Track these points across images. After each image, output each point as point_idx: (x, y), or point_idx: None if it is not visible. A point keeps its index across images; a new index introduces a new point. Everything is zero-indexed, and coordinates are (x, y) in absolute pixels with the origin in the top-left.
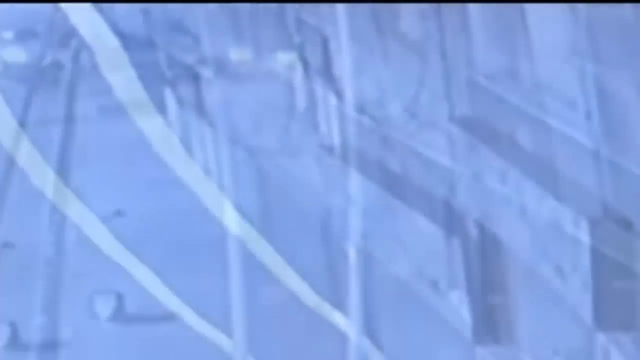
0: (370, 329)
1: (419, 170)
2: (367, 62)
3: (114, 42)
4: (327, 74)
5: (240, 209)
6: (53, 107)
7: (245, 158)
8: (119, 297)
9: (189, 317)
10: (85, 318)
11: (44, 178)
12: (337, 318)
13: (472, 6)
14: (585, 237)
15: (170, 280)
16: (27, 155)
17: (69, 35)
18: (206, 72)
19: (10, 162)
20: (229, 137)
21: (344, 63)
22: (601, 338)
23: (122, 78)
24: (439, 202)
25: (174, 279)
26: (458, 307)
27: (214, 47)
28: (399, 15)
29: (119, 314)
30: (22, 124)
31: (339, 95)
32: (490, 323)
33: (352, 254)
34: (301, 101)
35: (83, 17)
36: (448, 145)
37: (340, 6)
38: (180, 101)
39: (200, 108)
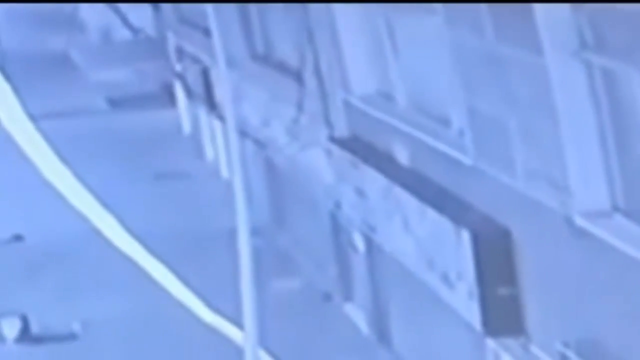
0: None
1: (302, 188)
2: (246, 88)
3: None
4: (209, 100)
5: None
6: None
7: None
8: (24, 319)
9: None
10: None
11: None
12: (234, 334)
13: (343, 29)
14: (467, 247)
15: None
16: None
17: None
18: None
19: None
20: None
21: (223, 90)
22: (491, 344)
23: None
24: (326, 217)
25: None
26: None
27: None
28: (273, 43)
29: (25, 336)
30: None
31: (222, 120)
32: (384, 331)
33: None
34: (186, 126)
35: None
36: (329, 164)
37: (215, 36)
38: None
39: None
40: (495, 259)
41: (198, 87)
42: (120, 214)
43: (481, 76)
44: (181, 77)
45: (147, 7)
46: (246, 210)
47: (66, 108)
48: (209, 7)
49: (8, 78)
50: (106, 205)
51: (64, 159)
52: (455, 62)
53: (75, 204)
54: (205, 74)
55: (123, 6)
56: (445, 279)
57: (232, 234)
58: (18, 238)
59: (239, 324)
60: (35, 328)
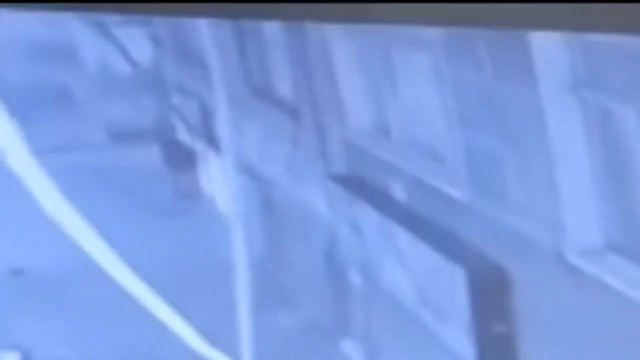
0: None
1: (299, 223)
2: (244, 123)
3: None
4: (208, 134)
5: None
6: None
7: None
8: (26, 354)
9: None
10: None
11: None
12: None
13: (339, 62)
14: (462, 283)
15: (70, 334)
16: None
17: None
18: None
19: None
20: None
21: (221, 124)
22: None
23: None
24: (322, 252)
25: (75, 333)
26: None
27: None
28: (271, 78)
29: None
30: None
31: (220, 154)
32: None
33: None
34: (184, 160)
35: None
36: (326, 200)
37: (214, 70)
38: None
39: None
40: (490, 296)
41: (196, 121)
42: (119, 248)
43: (477, 112)
44: (179, 111)
45: (146, 41)
46: (243, 245)
47: (65, 141)
48: (207, 41)
49: (12, 111)
50: (105, 239)
51: (64, 192)
52: (451, 97)
53: (75, 237)
54: (203, 108)
55: (123, 40)
56: (440, 315)
57: (229, 268)
58: (18, 271)
59: (236, 357)
60: None
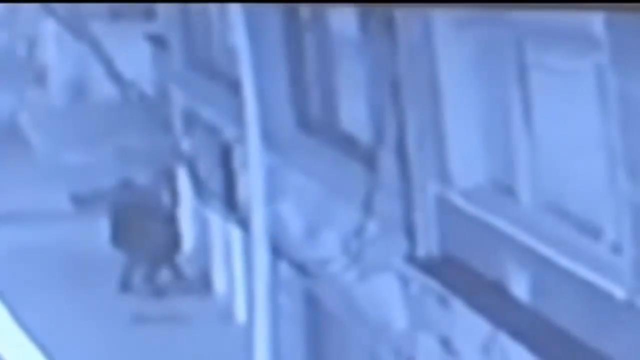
0: None
1: (360, 336)
2: (286, 176)
3: None
4: (228, 197)
5: None
6: None
7: None
8: None
9: None
10: None
11: None
12: None
13: (445, 86)
14: None
15: None
16: None
17: None
18: None
19: None
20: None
21: (252, 180)
22: None
23: None
24: None
25: None
26: None
27: None
28: (336, 107)
29: None
30: None
31: (244, 228)
32: None
33: None
34: (189, 241)
35: None
36: (404, 298)
37: (248, 92)
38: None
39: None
40: None
41: (213, 176)
42: None
43: None
44: (189, 159)
45: (145, 48)
46: None
47: (11, 207)
48: (241, 42)
49: None
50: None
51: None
52: (616, 130)
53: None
54: (225, 155)
55: (112, 48)
56: None
57: None
58: None
59: None
60: None
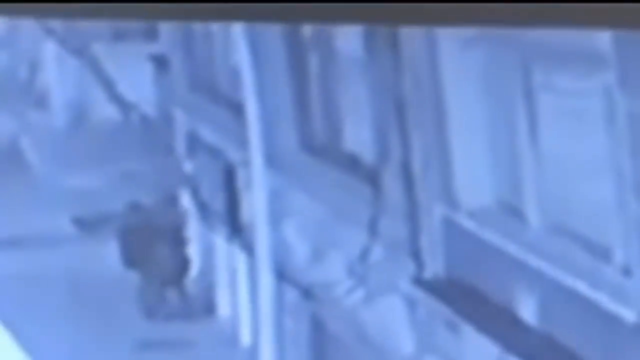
0: None
1: (367, 358)
2: (290, 198)
3: None
4: (232, 219)
5: None
6: None
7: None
8: None
9: None
10: None
11: None
12: None
13: (450, 103)
14: None
15: None
16: None
17: None
18: None
19: None
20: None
21: (256, 202)
22: None
23: None
24: None
25: None
26: None
27: None
28: (340, 127)
29: None
30: None
31: (249, 250)
32: None
33: None
34: (195, 264)
35: None
36: (411, 322)
37: (251, 113)
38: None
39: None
40: None
41: (216, 198)
42: None
43: None
44: (192, 181)
45: (147, 70)
46: None
47: (13, 231)
48: (244, 63)
49: None
50: None
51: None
52: (625, 151)
53: None
54: (229, 177)
55: (114, 70)
56: None
57: None
58: None
59: None
60: None
